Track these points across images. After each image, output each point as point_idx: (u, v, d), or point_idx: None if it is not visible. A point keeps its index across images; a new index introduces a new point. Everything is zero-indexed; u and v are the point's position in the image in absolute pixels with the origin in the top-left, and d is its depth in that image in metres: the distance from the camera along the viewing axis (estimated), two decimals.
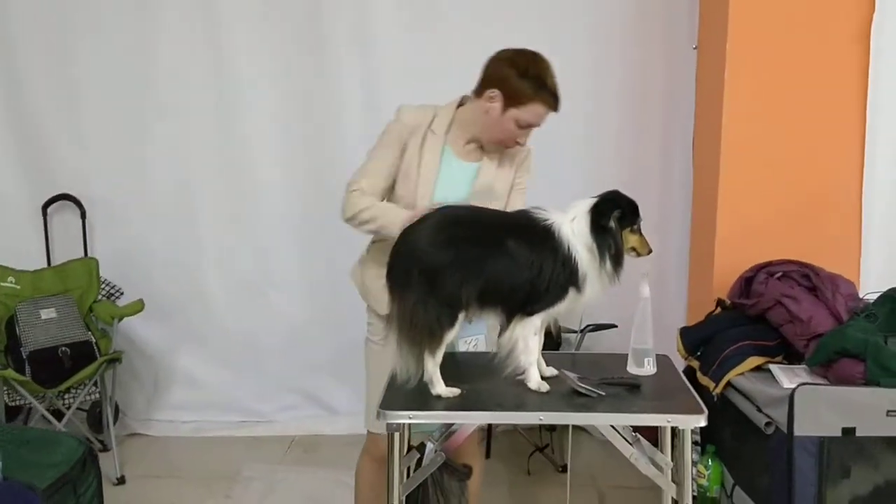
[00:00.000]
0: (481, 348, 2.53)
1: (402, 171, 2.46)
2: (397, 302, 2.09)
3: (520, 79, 2.35)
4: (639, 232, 2.22)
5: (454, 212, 2.19)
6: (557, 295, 2.13)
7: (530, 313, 2.14)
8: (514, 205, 2.54)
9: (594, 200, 2.18)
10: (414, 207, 2.37)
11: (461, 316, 2.11)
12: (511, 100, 2.36)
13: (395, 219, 2.31)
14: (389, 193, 2.50)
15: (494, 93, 2.37)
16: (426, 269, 2.07)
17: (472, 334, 2.50)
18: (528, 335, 2.15)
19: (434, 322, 2.07)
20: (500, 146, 2.48)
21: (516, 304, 2.14)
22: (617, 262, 2.14)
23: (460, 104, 2.53)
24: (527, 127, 2.41)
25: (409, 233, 2.15)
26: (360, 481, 2.75)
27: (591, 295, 2.15)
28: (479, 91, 2.42)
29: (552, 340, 3.35)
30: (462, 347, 2.48)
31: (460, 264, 2.08)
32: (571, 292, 2.14)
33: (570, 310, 2.19)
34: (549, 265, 2.11)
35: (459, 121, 2.49)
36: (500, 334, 2.21)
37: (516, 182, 2.58)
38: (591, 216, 2.14)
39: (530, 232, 2.14)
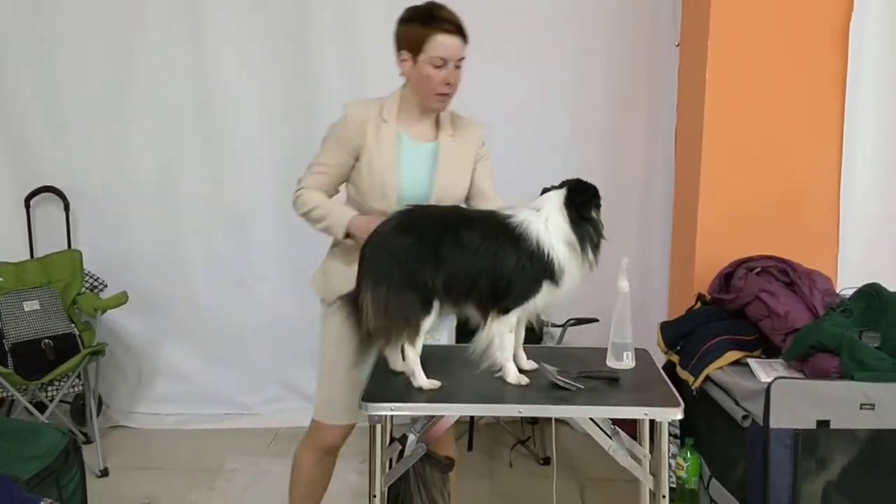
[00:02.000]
0: (443, 341, 2.55)
1: (365, 167, 2.45)
2: (370, 293, 2.12)
3: (409, 25, 2.38)
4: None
5: (420, 209, 2.24)
6: (529, 289, 2.16)
7: (505, 310, 2.17)
8: (484, 185, 2.58)
9: (563, 193, 2.20)
10: (385, 198, 2.42)
11: (435, 304, 2.14)
12: (414, 49, 2.36)
13: (342, 219, 2.41)
14: (335, 192, 2.54)
15: (403, 54, 2.40)
16: (395, 259, 2.11)
17: (435, 329, 2.44)
18: (503, 332, 2.19)
19: (408, 308, 2.11)
20: (442, 101, 2.44)
21: (485, 300, 2.18)
22: (597, 249, 2.20)
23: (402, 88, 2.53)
24: (442, 65, 2.36)
25: (378, 228, 2.20)
26: (299, 473, 2.68)
27: (569, 286, 2.19)
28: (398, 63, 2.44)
29: (534, 334, 3.38)
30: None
31: (426, 253, 2.12)
32: (546, 286, 2.17)
33: (548, 304, 2.22)
34: (511, 260, 2.13)
35: (405, 103, 2.49)
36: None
37: (480, 161, 2.59)
38: (570, 210, 2.17)
39: (491, 227, 2.18)
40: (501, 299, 2.16)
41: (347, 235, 2.42)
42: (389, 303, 2.10)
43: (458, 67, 2.40)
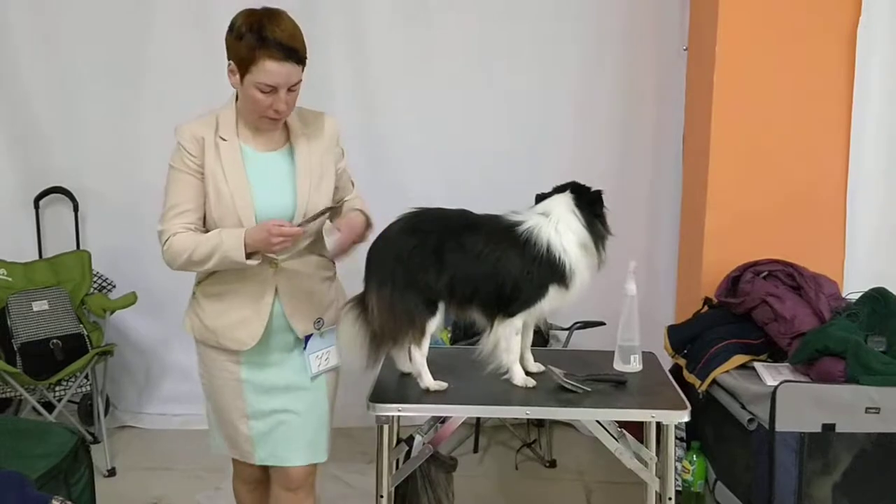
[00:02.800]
0: (333, 362, 2.31)
1: (213, 194, 2.16)
2: (375, 294, 2.13)
3: (238, 41, 2.07)
4: None
5: (426, 211, 2.25)
6: (536, 294, 2.18)
7: (511, 314, 2.18)
8: (348, 190, 2.37)
9: (570, 196, 2.23)
10: (240, 225, 2.13)
11: (441, 306, 2.16)
12: (242, 67, 2.08)
13: (236, 241, 2.07)
14: (203, 223, 2.22)
15: (230, 65, 2.13)
16: (400, 260, 2.12)
17: (323, 348, 2.29)
18: (509, 335, 2.20)
19: (413, 309, 2.12)
20: (272, 124, 2.19)
21: (489, 303, 2.19)
22: (605, 247, 2.25)
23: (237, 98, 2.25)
24: (270, 91, 2.08)
25: (385, 230, 2.20)
26: None
27: (580, 289, 2.20)
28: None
29: (541, 337, 3.40)
30: (314, 364, 2.27)
31: (429, 255, 2.14)
32: (553, 290, 2.18)
33: (555, 307, 2.24)
34: (516, 265, 2.15)
35: (242, 114, 2.22)
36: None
37: (339, 162, 2.36)
38: (582, 210, 2.21)
39: (495, 232, 2.20)
40: (506, 304, 2.17)
41: (249, 256, 2.08)
42: (395, 303, 2.12)
43: (291, 91, 2.12)
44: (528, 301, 2.18)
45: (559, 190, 2.28)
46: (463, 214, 2.29)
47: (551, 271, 2.16)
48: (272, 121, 2.17)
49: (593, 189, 2.28)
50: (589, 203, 2.23)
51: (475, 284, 2.17)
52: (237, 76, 2.12)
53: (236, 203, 2.15)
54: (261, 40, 2.04)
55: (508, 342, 2.22)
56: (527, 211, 2.26)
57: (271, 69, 2.05)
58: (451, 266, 2.15)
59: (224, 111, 2.24)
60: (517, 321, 2.21)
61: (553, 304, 2.21)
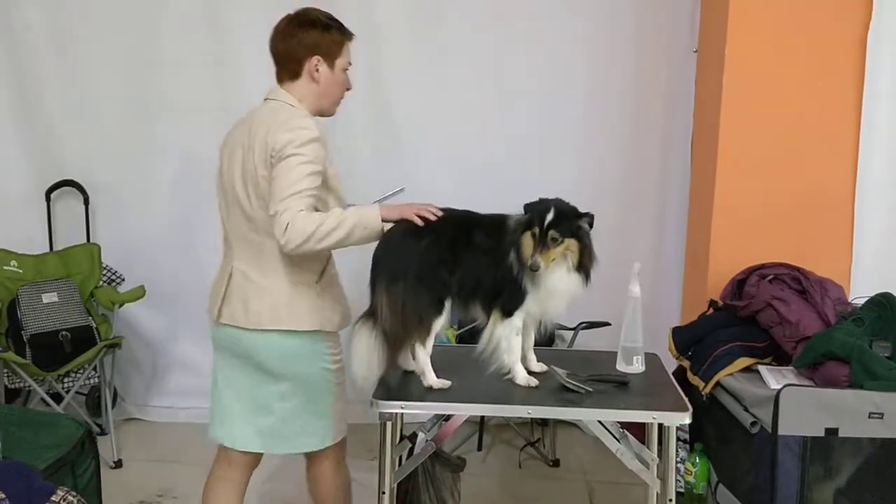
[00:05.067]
0: None
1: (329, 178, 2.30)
2: (385, 293, 2.14)
3: (327, 32, 2.34)
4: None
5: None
6: (519, 292, 2.20)
7: (509, 313, 2.20)
8: None
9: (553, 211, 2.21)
10: (343, 203, 2.30)
11: (447, 304, 2.17)
12: (331, 55, 2.34)
13: (373, 212, 2.20)
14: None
15: (315, 59, 2.32)
16: (411, 259, 2.14)
17: None
18: (509, 335, 2.22)
19: (423, 309, 2.14)
20: (337, 105, 2.45)
21: (488, 301, 2.22)
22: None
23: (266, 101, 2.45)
24: (348, 68, 2.42)
25: (388, 232, 2.20)
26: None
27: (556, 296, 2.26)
28: (296, 70, 2.34)
29: (546, 337, 3.40)
30: None
31: (438, 248, 2.15)
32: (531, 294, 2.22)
33: (540, 311, 2.28)
34: (514, 264, 2.18)
35: (316, 105, 2.40)
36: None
37: None
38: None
39: (497, 228, 2.23)
40: (505, 301, 2.21)
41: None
42: (406, 301, 2.13)
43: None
44: (514, 298, 2.21)
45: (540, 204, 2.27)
46: (466, 214, 2.31)
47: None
48: (341, 99, 2.44)
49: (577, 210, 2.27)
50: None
51: (479, 280, 2.20)
52: (325, 65, 2.33)
53: (340, 184, 2.36)
54: (342, 27, 2.39)
55: (509, 342, 2.23)
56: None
57: (350, 49, 2.41)
58: (458, 264, 2.17)
59: (297, 108, 2.34)
60: (516, 320, 2.22)
61: (535, 308, 2.25)
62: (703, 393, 2.93)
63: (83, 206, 4.14)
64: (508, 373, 2.25)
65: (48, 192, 4.13)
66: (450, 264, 2.17)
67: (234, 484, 2.46)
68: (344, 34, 2.38)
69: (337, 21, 2.40)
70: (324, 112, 2.42)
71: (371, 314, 2.19)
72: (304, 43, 2.33)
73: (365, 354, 2.17)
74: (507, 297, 2.20)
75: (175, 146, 4.16)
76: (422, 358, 2.19)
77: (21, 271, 3.93)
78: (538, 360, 2.36)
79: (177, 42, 4.05)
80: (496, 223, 2.25)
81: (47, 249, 4.12)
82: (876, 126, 3.39)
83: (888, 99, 3.37)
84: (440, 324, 2.20)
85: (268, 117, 2.29)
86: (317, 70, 2.33)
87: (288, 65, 2.36)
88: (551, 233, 2.15)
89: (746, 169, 3.46)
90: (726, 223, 3.50)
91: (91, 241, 4.14)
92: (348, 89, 2.45)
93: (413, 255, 2.15)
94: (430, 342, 2.20)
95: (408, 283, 2.14)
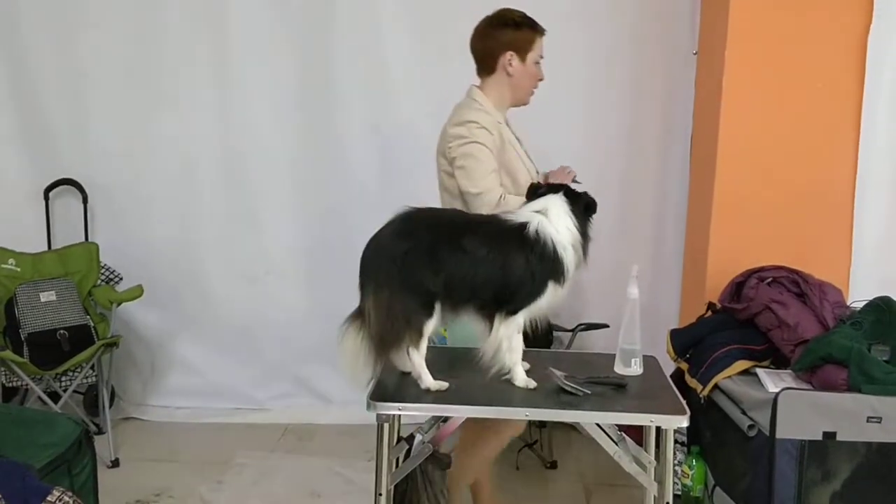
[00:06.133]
0: None
1: (510, 161, 2.75)
2: (372, 297, 2.13)
3: (519, 30, 2.73)
4: None
5: (418, 212, 2.25)
6: (538, 290, 2.20)
7: (513, 312, 2.19)
8: None
9: (563, 198, 2.28)
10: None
11: (437, 306, 2.16)
12: (523, 50, 2.73)
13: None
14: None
15: (509, 55, 2.72)
16: (395, 263, 2.12)
17: None
18: (511, 334, 2.21)
19: (411, 312, 2.12)
20: (530, 94, 2.85)
21: (488, 304, 2.20)
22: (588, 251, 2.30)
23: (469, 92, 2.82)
24: (540, 61, 2.79)
25: (378, 233, 2.20)
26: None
27: (569, 288, 2.25)
28: (492, 66, 2.75)
29: (545, 338, 3.40)
30: None
31: (418, 254, 2.14)
32: (551, 287, 2.21)
33: (551, 305, 2.25)
34: (520, 263, 2.17)
35: (504, 97, 2.81)
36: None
37: None
38: (576, 213, 2.26)
39: (495, 232, 2.21)
40: (508, 302, 2.18)
41: None
42: (392, 306, 2.12)
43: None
44: (530, 297, 2.20)
45: (553, 190, 2.32)
46: (457, 214, 2.30)
47: (552, 268, 2.20)
48: (532, 91, 2.85)
49: (584, 194, 2.33)
50: (584, 208, 2.29)
51: (475, 286, 2.17)
52: (517, 60, 2.74)
53: (526, 167, 2.81)
54: (533, 23, 2.75)
55: (511, 342, 2.22)
56: (521, 210, 2.29)
57: (541, 43, 2.79)
58: (447, 267, 2.15)
59: (475, 103, 2.76)
60: (520, 319, 2.21)
61: (549, 302, 2.24)
62: (700, 395, 2.93)
63: (82, 205, 4.14)
64: (507, 373, 2.25)
65: (47, 191, 4.13)
66: (432, 268, 2.14)
67: None
68: (535, 30, 2.74)
69: (529, 19, 2.74)
70: (518, 102, 2.84)
71: (358, 315, 2.18)
72: (499, 41, 2.72)
73: (351, 355, 2.17)
74: (519, 296, 2.19)
75: (174, 146, 4.16)
76: (417, 361, 2.19)
77: (19, 270, 3.92)
78: (537, 362, 2.35)
79: (177, 42, 4.05)
80: (491, 224, 2.25)
81: (45, 248, 4.12)
82: (876, 128, 3.38)
83: (888, 102, 3.37)
84: (431, 326, 2.18)
85: (454, 111, 2.78)
86: (510, 64, 2.73)
87: (485, 61, 2.77)
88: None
89: (745, 171, 3.45)
90: (725, 226, 3.50)
91: (89, 240, 4.14)
92: (540, 80, 2.81)
93: (401, 258, 2.14)
94: (424, 345, 2.18)
95: (395, 287, 2.12)
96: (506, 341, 2.22)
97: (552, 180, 2.72)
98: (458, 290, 2.17)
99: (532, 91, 2.83)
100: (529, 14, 3.79)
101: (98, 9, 4.03)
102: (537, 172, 2.90)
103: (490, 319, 2.21)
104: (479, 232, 2.20)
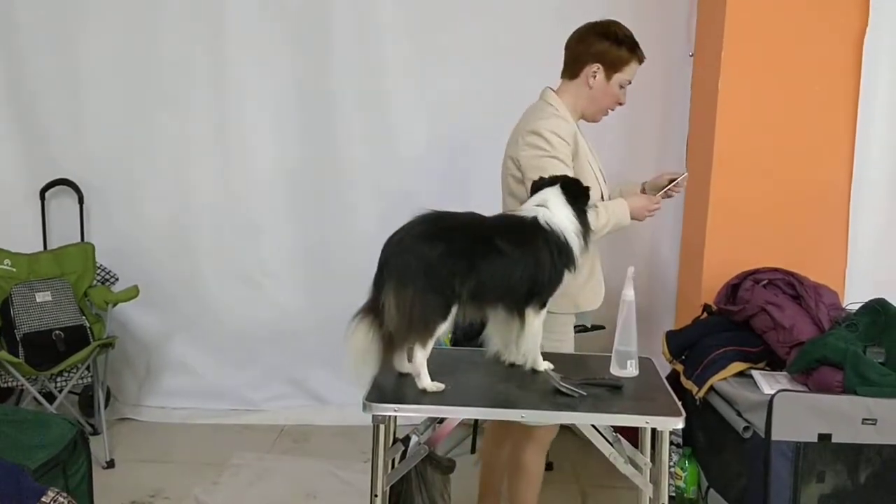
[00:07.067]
0: None
1: (583, 170, 2.62)
2: (393, 295, 2.12)
3: (617, 47, 2.59)
4: None
5: (441, 216, 2.24)
6: (558, 279, 2.28)
7: (543, 303, 2.28)
8: None
9: (559, 190, 2.32)
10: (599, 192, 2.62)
11: (454, 310, 2.17)
12: (613, 67, 2.61)
13: (623, 208, 2.59)
14: None
15: (595, 66, 2.60)
16: (423, 265, 2.12)
17: None
18: (540, 326, 2.30)
19: (430, 313, 2.13)
20: (603, 114, 2.72)
21: (521, 299, 2.25)
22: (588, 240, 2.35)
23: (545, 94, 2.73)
24: (626, 86, 2.66)
25: (401, 236, 2.19)
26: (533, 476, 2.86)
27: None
28: (576, 72, 2.65)
29: None
30: None
31: (452, 257, 2.14)
32: (567, 275, 2.29)
33: (561, 293, 2.34)
34: (545, 256, 2.23)
35: (577, 107, 2.69)
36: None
37: None
38: (575, 204, 2.32)
39: (517, 230, 2.25)
40: (538, 294, 2.25)
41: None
42: (414, 305, 2.11)
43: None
44: (552, 287, 2.27)
45: (549, 183, 2.36)
46: (475, 216, 2.30)
47: (567, 257, 2.27)
48: (609, 111, 2.73)
49: (578, 183, 2.38)
50: (576, 197, 2.33)
51: (510, 284, 2.20)
52: (602, 74, 2.61)
53: (598, 182, 2.67)
54: (635, 47, 2.62)
55: (540, 332, 2.30)
56: (525, 205, 2.34)
57: (635, 69, 2.65)
58: (483, 268, 2.16)
59: (551, 108, 2.64)
60: (545, 309, 2.30)
61: (562, 289, 2.32)
62: (696, 397, 2.94)
63: (77, 206, 4.13)
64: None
65: (42, 191, 4.12)
66: (464, 272, 2.15)
67: None
68: (634, 54, 2.61)
69: (633, 40, 2.62)
70: (587, 117, 2.71)
71: (370, 310, 2.17)
72: (592, 50, 2.61)
73: (361, 350, 2.15)
74: (548, 287, 2.26)
75: (170, 146, 4.15)
76: (419, 360, 2.18)
77: (15, 270, 3.91)
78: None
79: (173, 43, 4.04)
80: (511, 222, 2.30)
81: (41, 248, 4.11)
82: (872, 130, 3.40)
83: (884, 104, 3.39)
84: (443, 329, 2.19)
85: (528, 114, 2.69)
86: (593, 76, 2.62)
87: (572, 65, 2.67)
88: None
89: (742, 173, 3.46)
90: (721, 227, 3.51)
91: (85, 240, 4.13)
92: (620, 104, 2.69)
93: (426, 261, 2.13)
94: (430, 345, 2.18)
95: (418, 288, 2.12)
96: (539, 334, 2.30)
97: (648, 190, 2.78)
98: (491, 289, 2.20)
99: (607, 112, 2.72)
100: (528, 14, 3.81)
101: (95, 10, 4.02)
102: (605, 181, 2.80)
103: (520, 314, 2.25)
104: (505, 232, 2.23)
